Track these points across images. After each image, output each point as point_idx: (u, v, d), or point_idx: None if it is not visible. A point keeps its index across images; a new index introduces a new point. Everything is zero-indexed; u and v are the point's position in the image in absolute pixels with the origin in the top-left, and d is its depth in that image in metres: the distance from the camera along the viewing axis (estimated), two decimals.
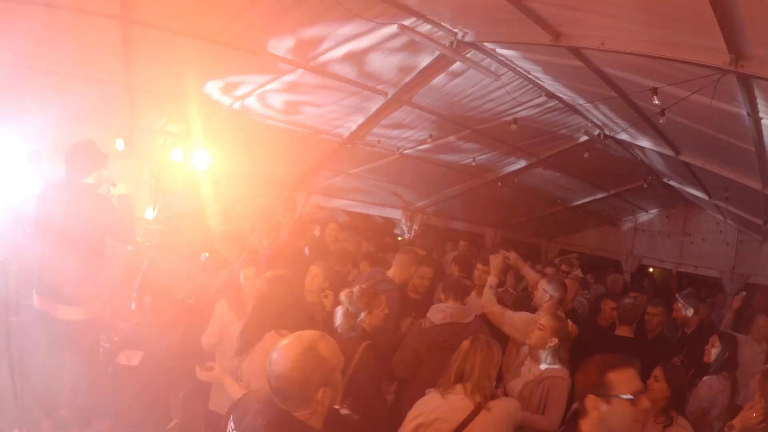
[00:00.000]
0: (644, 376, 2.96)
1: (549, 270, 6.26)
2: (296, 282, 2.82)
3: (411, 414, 2.61)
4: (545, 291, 4.01)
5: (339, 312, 3.20)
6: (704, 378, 3.61)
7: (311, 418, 1.63)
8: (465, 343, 2.68)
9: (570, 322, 3.64)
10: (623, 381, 1.83)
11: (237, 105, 5.19)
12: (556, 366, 3.19)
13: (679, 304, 4.85)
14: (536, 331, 3.24)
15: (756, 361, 4.37)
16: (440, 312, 3.52)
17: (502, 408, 2.60)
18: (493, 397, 2.60)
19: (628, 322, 4.26)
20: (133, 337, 5.10)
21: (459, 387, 2.59)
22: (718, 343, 3.73)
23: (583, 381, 1.95)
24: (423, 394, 3.37)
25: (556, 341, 3.20)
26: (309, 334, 1.70)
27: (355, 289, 3.20)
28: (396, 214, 9.14)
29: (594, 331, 4.63)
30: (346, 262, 4.86)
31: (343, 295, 3.22)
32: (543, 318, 3.32)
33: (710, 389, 3.51)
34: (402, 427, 2.62)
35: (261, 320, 2.64)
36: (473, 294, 4.28)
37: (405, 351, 3.51)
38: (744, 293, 5.95)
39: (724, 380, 3.53)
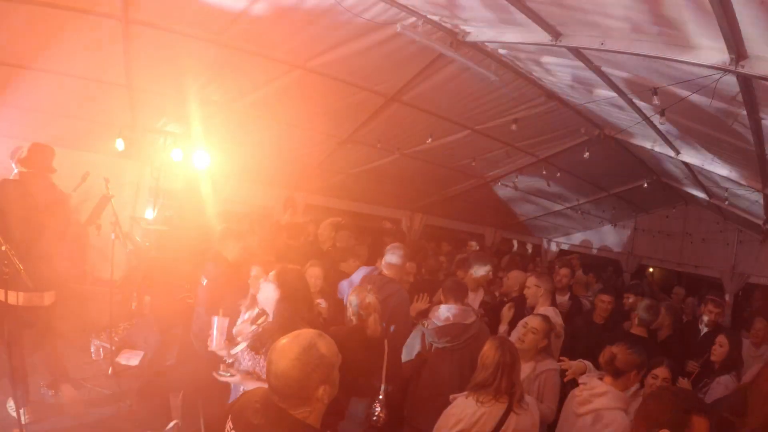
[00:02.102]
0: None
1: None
2: (301, 274, 2.83)
3: (449, 420, 2.64)
4: (537, 286, 4.10)
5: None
6: (719, 378, 3.60)
7: (309, 416, 1.64)
8: (490, 348, 2.70)
9: (559, 321, 3.86)
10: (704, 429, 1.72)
11: (237, 105, 5.19)
12: (547, 360, 3.36)
13: (714, 304, 4.79)
14: (529, 334, 3.33)
15: (751, 365, 4.32)
16: (443, 313, 3.57)
17: (531, 411, 2.65)
18: (521, 399, 2.65)
19: (645, 324, 4.23)
20: (133, 337, 5.12)
21: (489, 390, 2.62)
22: (726, 342, 3.74)
23: (660, 411, 1.79)
24: (427, 394, 3.42)
25: (546, 342, 3.35)
26: (308, 333, 1.71)
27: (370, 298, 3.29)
28: (396, 214, 9.15)
29: (591, 330, 4.60)
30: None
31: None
32: (533, 320, 3.40)
33: (726, 389, 3.50)
34: None
35: (286, 321, 2.61)
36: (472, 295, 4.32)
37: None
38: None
39: (735, 380, 3.54)
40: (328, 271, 4.09)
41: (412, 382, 3.57)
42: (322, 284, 3.93)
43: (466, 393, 2.69)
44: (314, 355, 1.64)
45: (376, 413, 2.97)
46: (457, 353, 3.46)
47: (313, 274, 3.87)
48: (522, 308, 4.28)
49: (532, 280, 4.18)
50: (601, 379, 2.85)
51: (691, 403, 1.78)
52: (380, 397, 3.01)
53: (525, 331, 3.35)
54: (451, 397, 2.79)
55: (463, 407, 2.64)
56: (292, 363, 1.61)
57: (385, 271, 4.20)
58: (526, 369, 3.29)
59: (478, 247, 9.15)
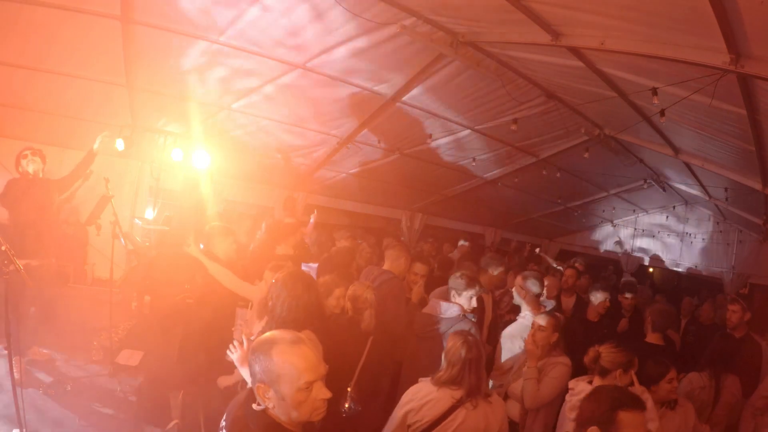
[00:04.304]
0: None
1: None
2: (309, 279, 2.80)
3: (404, 399, 2.67)
4: (521, 287, 4.05)
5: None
6: (689, 374, 3.66)
7: (269, 411, 1.60)
8: (455, 344, 2.69)
9: (560, 315, 3.82)
10: (633, 425, 1.83)
11: (237, 105, 5.19)
12: (560, 357, 3.31)
13: (740, 305, 4.64)
14: (538, 332, 3.31)
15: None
16: (428, 305, 3.70)
17: (492, 409, 2.61)
18: (480, 392, 2.61)
19: (660, 329, 4.05)
20: (133, 337, 5.11)
21: (438, 376, 2.64)
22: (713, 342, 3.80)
23: (591, 409, 1.94)
24: (409, 380, 3.45)
25: (557, 336, 3.32)
26: (286, 333, 1.68)
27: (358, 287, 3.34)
28: (396, 214, 9.15)
29: (588, 329, 4.54)
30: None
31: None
32: (541, 318, 3.39)
33: (689, 383, 3.58)
34: (395, 411, 2.68)
35: (279, 324, 2.60)
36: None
37: (400, 337, 3.74)
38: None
39: (706, 378, 3.56)
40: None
41: (403, 366, 3.68)
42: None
43: (430, 377, 2.70)
44: (264, 350, 1.59)
45: (345, 407, 2.97)
46: (429, 342, 3.52)
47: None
48: None
49: (518, 281, 4.12)
50: (590, 382, 2.84)
51: (618, 400, 1.92)
52: (348, 389, 3.01)
53: (533, 331, 3.34)
54: (419, 378, 2.80)
55: (419, 388, 2.66)
56: (252, 345, 1.65)
57: (386, 267, 4.22)
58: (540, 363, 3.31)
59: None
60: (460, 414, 2.53)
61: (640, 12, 2.65)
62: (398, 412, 2.62)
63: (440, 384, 2.60)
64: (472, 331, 3.41)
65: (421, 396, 2.60)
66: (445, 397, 2.57)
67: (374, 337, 3.20)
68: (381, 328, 3.36)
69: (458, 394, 2.56)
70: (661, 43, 2.84)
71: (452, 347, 2.65)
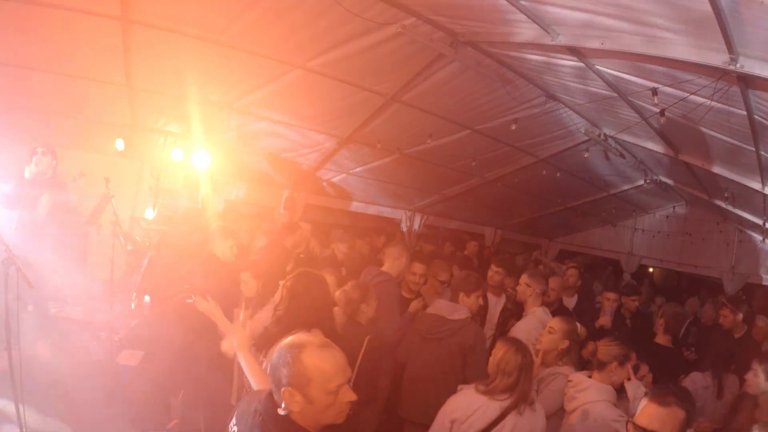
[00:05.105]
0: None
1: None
2: (323, 280, 2.81)
3: (447, 408, 2.64)
4: (527, 285, 4.08)
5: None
6: (691, 373, 3.68)
7: (293, 415, 1.60)
8: (508, 352, 2.62)
9: (579, 324, 3.68)
10: (652, 416, 1.89)
11: (236, 105, 5.19)
12: (565, 367, 3.19)
13: (728, 309, 4.61)
14: (546, 334, 3.22)
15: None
16: (433, 305, 3.68)
17: (536, 416, 2.60)
18: (528, 399, 2.59)
19: (672, 332, 4.09)
20: (133, 337, 5.11)
21: (493, 386, 2.60)
22: (709, 342, 3.82)
23: None
24: (411, 380, 3.50)
25: (568, 343, 3.19)
26: (312, 337, 1.69)
27: (348, 286, 3.38)
28: (396, 214, 9.15)
29: (602, 329, 4.53)
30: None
31: (338, 294, 3.38)
32: (553, 321, 3.31)
33: (693, 383, 3.59)
34: (438, 418, 2.66)
35: (291, 321, 2.59)
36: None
37: (403, 338, 3.75)
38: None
39: (708, 378, 3.57)
40: (340, 278, 4.09)
41: (404, 367, 3.66)
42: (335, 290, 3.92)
43: (474, 385, 2.66)
44: (293, 354, 1.58)
45: None
46: (435, 343, 3.50)
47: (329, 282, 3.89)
48: None
49: (524, 278, 4.16)
50: (590, 376, 2.84)
51: (652, 390, 2.05)
52: None
53: (543, 332, 3.27)
54: (459, 386, 2.79)
55: (462, 396, 2.63)
56: (277, 348, 1.64)
57: (385, 267, 4.24)
58: (541, 372, 3.22)
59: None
60: (509, 422, 2.50)
61: (640, 12, 2.65)
62: (443, 420, 2.60)
63: (492, 393, 2.56)
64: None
65: (466, 405, 2.57)
66: (494, 405, 2.54)
67: (371, 336, 3.22)
68: (375, 329, 3.39)
69: (507, 402, 2.53)
70: (661, 43, 2.84)
71: (505, 355, 2.58)
